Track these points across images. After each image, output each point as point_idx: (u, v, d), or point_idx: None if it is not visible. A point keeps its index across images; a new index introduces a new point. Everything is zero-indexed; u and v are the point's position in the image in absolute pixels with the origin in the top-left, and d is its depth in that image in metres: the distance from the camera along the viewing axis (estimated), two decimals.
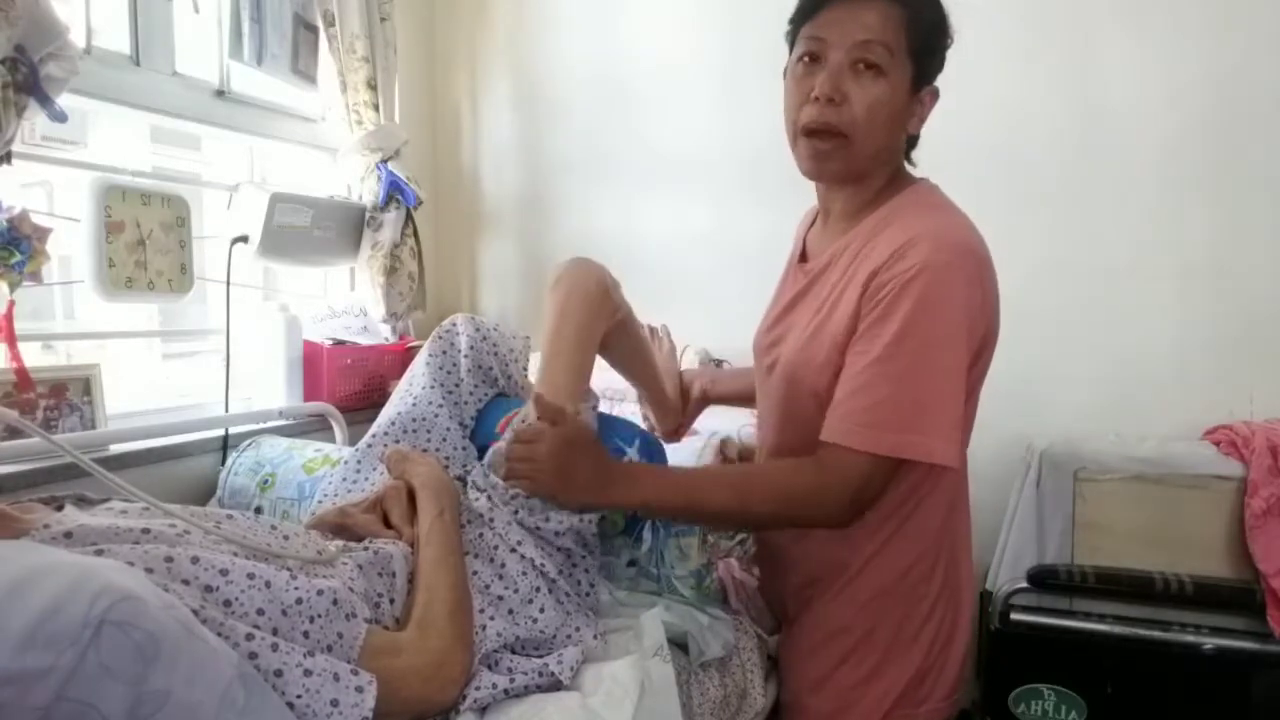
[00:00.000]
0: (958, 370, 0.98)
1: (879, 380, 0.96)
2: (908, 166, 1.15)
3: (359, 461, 1.22)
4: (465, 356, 1.24)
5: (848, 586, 1.12)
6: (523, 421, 1.08)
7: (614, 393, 1.72)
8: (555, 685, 0.92)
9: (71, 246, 1.43)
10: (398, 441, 1.19)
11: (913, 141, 1.14)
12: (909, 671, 1.10)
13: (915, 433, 0.96)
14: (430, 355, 1.26)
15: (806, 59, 1.05)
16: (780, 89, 1.11)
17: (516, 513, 1.05)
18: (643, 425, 1.40)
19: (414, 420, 1.20)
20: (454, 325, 1.27)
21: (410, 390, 1.25)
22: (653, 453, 1.20)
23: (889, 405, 0.96)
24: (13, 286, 1.30)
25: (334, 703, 0.70)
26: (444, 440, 1.20)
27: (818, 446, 1.00)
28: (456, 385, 1.24)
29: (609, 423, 1.20)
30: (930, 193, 1.10)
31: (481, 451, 1.19)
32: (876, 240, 1.03)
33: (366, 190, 2.01)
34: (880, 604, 1.10)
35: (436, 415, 1.21)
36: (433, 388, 1.23)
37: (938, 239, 0.99)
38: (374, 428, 1.24)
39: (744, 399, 1.42)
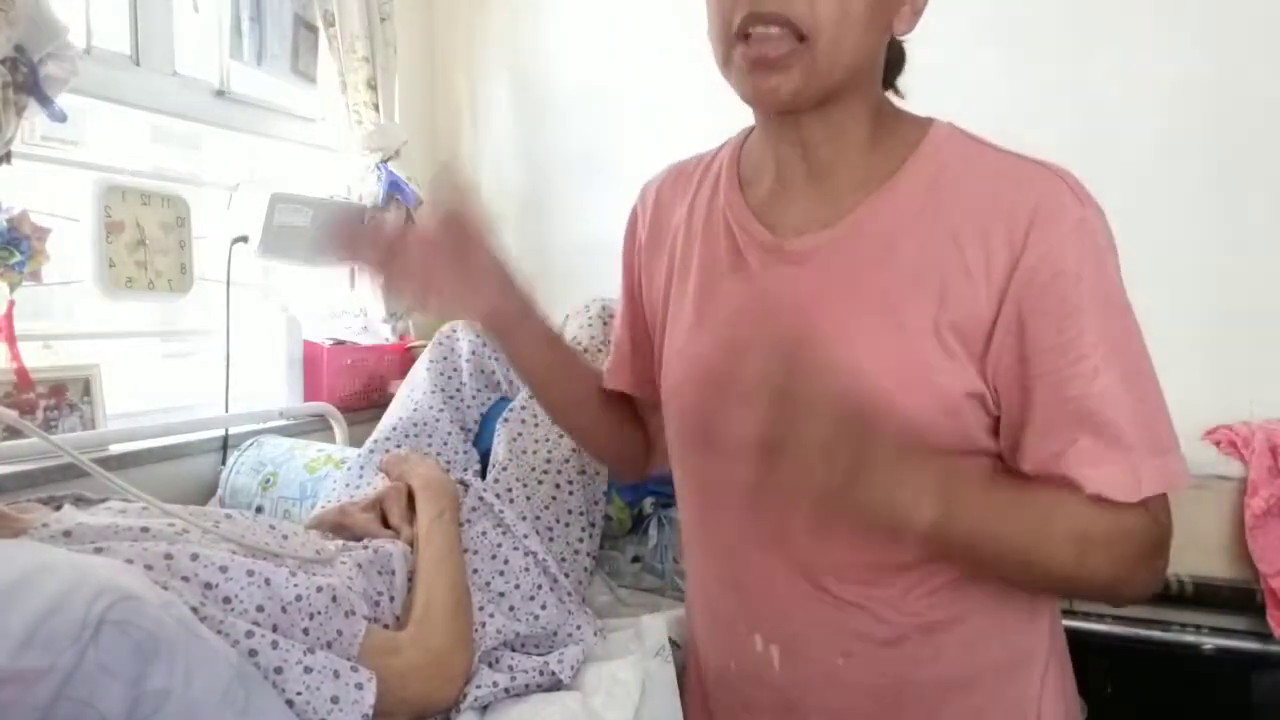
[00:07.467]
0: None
1: (1121, 388, 0.70)
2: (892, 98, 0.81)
3: (361, 468, 1.22)
4: (467, 361, 1.25)
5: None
6: None
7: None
8: (556, 685, 0.92)
9: (71, 246, 1.42)
10: (399, 447, 1.19)
11: (896, 59, 0.79)
12: None
13: (1172, 453, 0.70)
14: (431, 361, 1.26)
15: None
16: None
17: (524, 516, 1.05)
18: None
19: (415, 425, 1.21)
20: (454, 331, 1.27)
21: (411, 396, 1.25)
22: None
23: (1146, 417, 0.71)
24: (13, 286, 1.30)
25: (334, 699, 0.70)
26: (445, 444, 1.20)
27: (1112, 506, 0.69)
28: (458, 390, 1.24)
29: None
30: (976, 135, 0.78)
31: (485, 455, 1.19)
32: (968, 191, 0.73)
33: (366, 190, 2.00)
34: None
35: (438, 420, 1.21)
36: (433, 393, 1.23)
37: (1074, 188, 0.75)
38: (375, 434, 1.24)
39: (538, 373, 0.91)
